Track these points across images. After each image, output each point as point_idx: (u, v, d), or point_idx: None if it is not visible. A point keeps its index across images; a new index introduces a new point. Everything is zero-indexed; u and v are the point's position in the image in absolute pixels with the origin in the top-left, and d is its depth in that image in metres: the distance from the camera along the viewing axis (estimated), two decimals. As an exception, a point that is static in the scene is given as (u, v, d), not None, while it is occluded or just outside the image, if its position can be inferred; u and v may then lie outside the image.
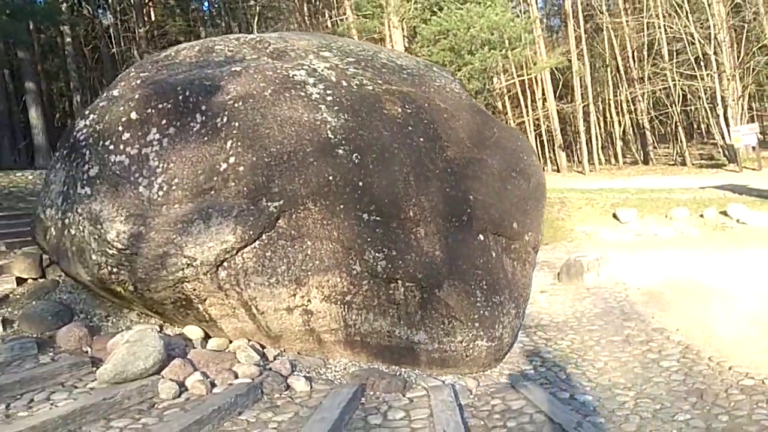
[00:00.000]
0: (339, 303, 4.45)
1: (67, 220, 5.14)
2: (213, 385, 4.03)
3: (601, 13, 28.38)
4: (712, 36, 23.86)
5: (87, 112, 5.50)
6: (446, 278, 4.61)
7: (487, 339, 4.80)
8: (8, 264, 6.20)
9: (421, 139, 5.03)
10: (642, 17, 26.85)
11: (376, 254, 4.43)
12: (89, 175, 5.06)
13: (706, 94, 26.42)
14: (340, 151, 4.55)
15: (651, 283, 8.09)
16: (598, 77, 33.54)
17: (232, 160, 4.56)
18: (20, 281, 6.07)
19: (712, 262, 9.02)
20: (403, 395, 4.17)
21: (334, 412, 3.60)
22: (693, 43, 24.65)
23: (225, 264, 4.35)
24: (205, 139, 4.81)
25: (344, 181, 4.47)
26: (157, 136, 4.96)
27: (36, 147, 20.75)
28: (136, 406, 3.78)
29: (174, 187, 4.68)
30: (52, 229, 5.32)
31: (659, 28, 26.70)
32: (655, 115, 32.18)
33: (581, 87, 29.25)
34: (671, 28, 24.54)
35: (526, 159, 5.78)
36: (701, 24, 24.38)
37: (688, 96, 29.32)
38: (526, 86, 25.65)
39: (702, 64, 25.15)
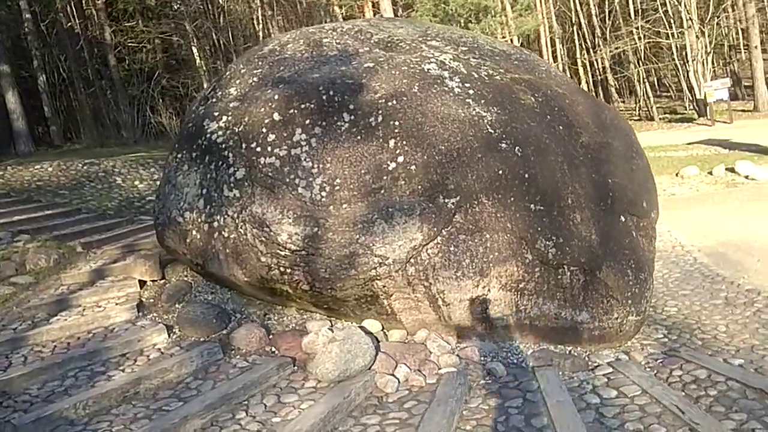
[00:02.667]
0: (513, 290, 4.71)
1: (215, 223, 5.20)
2: (423, 376, 4.26)
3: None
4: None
5: (216, 114, 5.52)
6: (604, 260, 4.92)
7: (635, 313, 5.16)
8: (127, 266, 6.19)
9: (561, 128, 5.26)
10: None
11: (547, 242, 4.69)
12: (236, 178, 5.12)
13: (675, 50, 27.27)
14: (503, 145, 4.75)
15: (705, 243, 8.63)
16: (565, 37, 34.22)
17: (400, 159, 4.70)
18: (141, 284, 6.09)
19: (746, 218, 9.67)
20: (593, 372, 4.49)
21: (560, 394, 3.90)
22: (664, 3, 25.37)
23: (413, 260, 4.54)
24: (358, 138, 4.92)
25: (512, 174, 4.68)
26: (304, 136, 5.04)
27: (15, 133, 19.93)
28: (366, 402, 3.99)
29: (338, 188, 4.80)
30: (194, 232, 5.37)
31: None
32: (620, 71, 33.15)
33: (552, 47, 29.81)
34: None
35: (634, 138, 6.09)
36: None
37: (650, 54, 30.27)
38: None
39: (672, 21, 25.88)
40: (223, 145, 5.32)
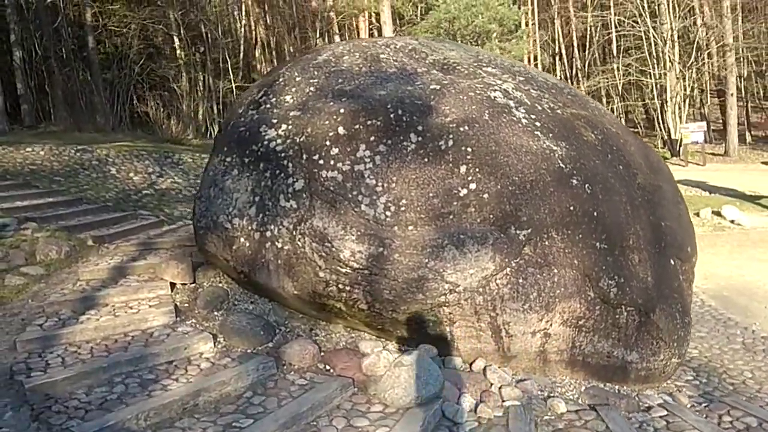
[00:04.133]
0: (573, 326, 4.73)
1: (268, 233, 5.09)
2: (490, 408, 4.22)
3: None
4: (667, 38, 25.39)
5: (275, 121, 5.41)
6: (657, 303, 5.00)
7: (678, 356, 5.26)
8: (152, 266, 5.99)
9: (620, 167, 5.34)
10: (605, 15, 28.11)
11: (609, 281, 4.74)
12: (294, 189, 5.03)
13: (654, 90, 28.15)
14: (575, 181, 4.78)
15: (708, 285, 8.88)
16: (546, 68, 34.95)
17: (473, 186, 4.68)
18: (171, 286, 5.89)
19: (741, 264, 10.01)
20: (648, 414, 4.53)
21: (626, 430, 3.92)
22: (649, 43, 26.18)
23: (481, 290, 4.51)
24: (425, 160, 4.88)
25: (582, 211, 4.72)
26: (368, 153, 4.98)
27: (-9, 110, 19.17)
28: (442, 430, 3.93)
29: (403, 208, 4.75)
30: (242, 239, 5.24)
31: (617, 26, 28.15)
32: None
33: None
34: (634, 26, 25.84)
35: (675, 182, 6.23)
36: (656, 27, 25.85)
37: (623, 91, 31.19)
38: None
39: (654, 62, 26.71)
40: (282, 154, 5.20)
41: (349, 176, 4.94)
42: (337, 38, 24.25)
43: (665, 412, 4.56)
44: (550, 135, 5.06)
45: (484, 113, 5.06)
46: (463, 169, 4.75)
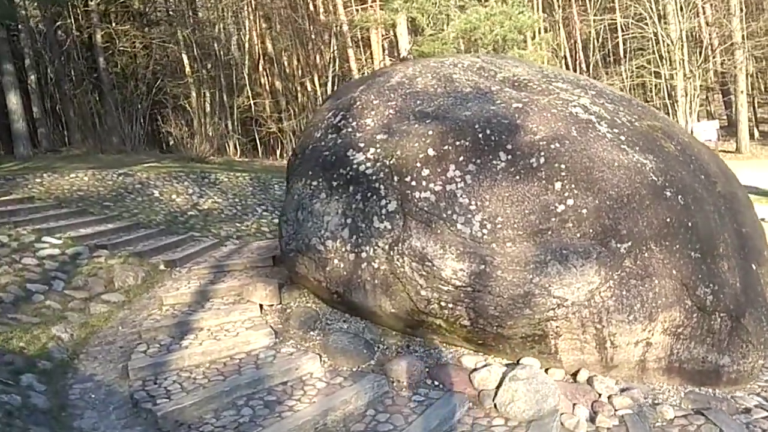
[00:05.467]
0: (672, 334, 4.87)
1: (363, 254, 5.23)
2: (606, 417, 4.36)
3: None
4: (676, 38, 25.60)
5: (362, 145, 5.57)
6: (746, 307, 5.14)
7: (763, 358, 5.40)
8: (247, 291, 6.13)
9: (702, 177, 5.49)
10: (613, 19, 28.38)
11: (705, 289, 4.88)
12: (388, 210, 5.18)
13: (664, 90, 28.35)
14: (668, 193, 4.93)
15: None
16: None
17: (570, 202, 4.83)
18: (260, 308, 6.03)
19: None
20: (750, 415, 4.67)
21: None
22: (658, 45, 26.41)
23: (587, 303, 4.65)
24: (517, 178, 5.03)
25: (678, 222, 4.87)
26: (458, 173, 5.14)
27: (15, 134, 19.31)
28: (566, 443, 4.07)
29: (500, 226, 4.89)
30: (336, 260, 5.39)
31: (623, 29, 28.42)
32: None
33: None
34: (642, 29, 26.08)
35: (743, 187, 6.38)
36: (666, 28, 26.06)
37: (634, 95, 31.38)
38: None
39: (664, 63, 26.90)
40: (373, 177, 5.35)
41: (442, 196, 5.09)
42: (350, 51, 24.46)
43: (766, 413, 4.68)
44: (636, 148, 5.21)
45: (571, 129, 5.21)
46: (558, 185, 4.90)
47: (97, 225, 8.85)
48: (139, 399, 4.56)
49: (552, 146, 5.07)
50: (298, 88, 28.31)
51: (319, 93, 24.57)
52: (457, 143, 5.26)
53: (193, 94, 25.65)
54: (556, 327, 4.70)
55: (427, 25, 18.90)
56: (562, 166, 4.96)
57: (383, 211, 5.23)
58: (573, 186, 4.88)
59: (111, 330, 6.07)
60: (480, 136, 5.25)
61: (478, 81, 6.20)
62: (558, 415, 4.29)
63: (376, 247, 5.21)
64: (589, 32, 32.37)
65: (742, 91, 26.12)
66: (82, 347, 5.66)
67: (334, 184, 5.59)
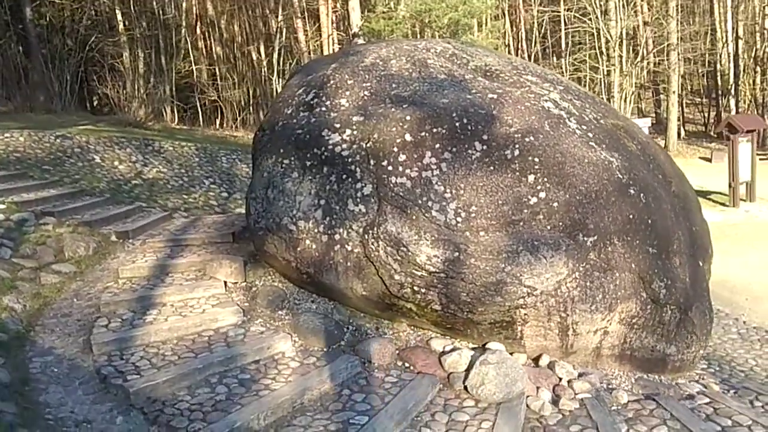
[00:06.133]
0: (627, 324, 5.18)
1: (336, 236, 5.28)
2: (568, 400, 4.61)
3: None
4: (615, 35, 26.55)
5: (338, 126, 5.57)
6: (693, 301, 5.53)
7: (703, 348, 5.85)
8: (211, 267, 6.04)
9: (660, 176, 5.82)
10: (557, 11, 29.05)
11: (660, 283, 5.21)
12: (363, 193, 5.23)
13: (602, 85, 29.38)
14: (632, 191, 5.20)
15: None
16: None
17: (542, 195, 5.02)
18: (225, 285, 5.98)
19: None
20: (694, 401, 5.04)
21: (698, 422, 4.41)
22: (599, 40, 27.30)
23: (554, 292, 4.88)
24: (491, 168, 5.18)
25: (639, 219, 5.15)
26: (434, 160, 5.25)
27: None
28: (531, 424, 4.29)
29: (473, 215, 5.04)
30: (308, 241, 5.41)
31: (566, 23, 29.21)
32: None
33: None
34: (586, 23, 26.85)
35: (692, 188, 6.79)
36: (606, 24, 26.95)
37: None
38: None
39: (604, 58, 27.83)
40: (349, 159, 5.37)
41: (418, 182, 5.18)
42: (299, 22, 23.99)
43: (708, 399, 5.07)
44: (603, 146, 5.45)
45: (544, 124, 5.39)
46: (531, 178, 5.07)
47: (39, 190, 8.44)
48: (107, 374, 4.45)
49: (527, 139, 5.23)
50: (240, 56, 27.52)
51: (264, 63, 23.99)
52: (434, 130, 5.33)
53: (128, 54, 24.38)
54: (524, 314, 4.90)
55: (380, 3, 18.78)
56: (536, 160, 5.13)
57: (358, 194, 5.26)
58: (546, 180, 5.06)
59: (65, 302, 5.85)
60: (457, 124, 5.34)
61: (451, 68, 6.28)
62: (524, 398, 4.50)
63: (350, 230, 5.25)
64: (533, 23, 33.08)
65: (674, 91, 27.45)
66: (37, 319, 5.44)
67: (308, 164, 5.57)
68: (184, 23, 26.68)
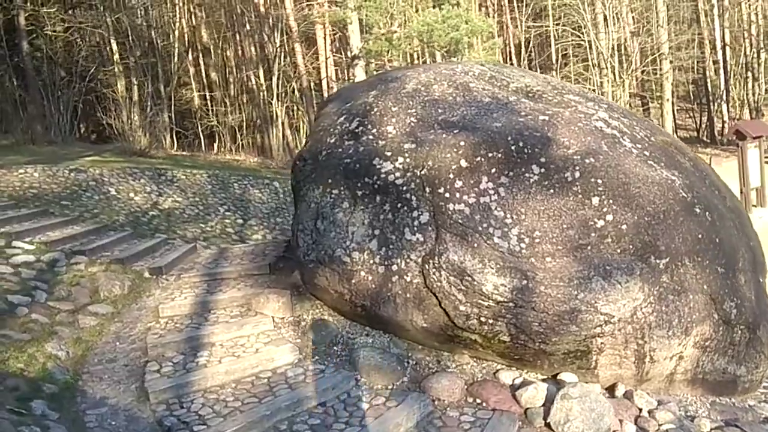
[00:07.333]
0: (700, 348, 5.01)
1: (394, 267, 5.11)
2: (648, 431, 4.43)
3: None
4: (607, 47, 26.69)
5: (389, 154, 5.41)
6: (761, 319, 5.37)
7: (769, 366, 5.67)
8: (258, 302, 5.83)
9: (716, 192, 5.68)
10: (546, 26, 29.23)
11: (730, 303, 5.05)
12: (420, 222, 5.06)
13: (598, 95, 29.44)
14: (698, 210, 5.06)
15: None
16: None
17: (609, 217, 4.86)
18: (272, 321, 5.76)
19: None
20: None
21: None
22: (591, 52, 27.44)
23: (630, 319, 4.70)
24: (551, 192, 5.03)
25: (708, 238, 5.01)
26: (491, 185, 5.10)
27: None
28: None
29: (538, 240, 4.88)
30: (363, 273, 5.23)
31: (557, 37, 29.41)
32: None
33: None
34: (579, 37, 27.01)
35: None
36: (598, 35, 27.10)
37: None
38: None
39: (596, 70, 27.96)
40: (404, 188, 5.21)
41: (477, 209, 5.02)
42: (297, 46, 23.94)
43: (789, 423, 4.90)
44: (661, 164, 5.32)
45: (602, 144, 5.26)
46: (595, 200, 4.92)
47: (63, 227, 8.20)
48: (171, 426, 4.22)
49: (587, 161, 5.08)
50: (236, 81, 27.44)
51: (264, 87, 23.88)
52: (490, 155, 5.19)
53: (123, 82, 24.16)
54: (601, 343, 4.72)
55: (378, 24, 18.78)
56: (599, 181, 4.98)
57: (415, 223, 5.09)
58: (611, 201, 4.91)
59: (108, 346, 5.61)
60: (513, 148, 5.20)
61: (493, 91, 6.16)
62: (610, 433, 4.31)
63: (408, 260, 5.07)
64: (522, 39, 33.23)
65: (667, 99, 27.57)
66: (82, 366, 5.20)
67: (359, 194, 5.40)
68: (177, 51, 26.58)
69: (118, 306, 6.41)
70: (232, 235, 11.41)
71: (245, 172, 16.63)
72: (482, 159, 5.18)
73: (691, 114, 35.59)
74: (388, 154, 5.41)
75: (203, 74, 28.65)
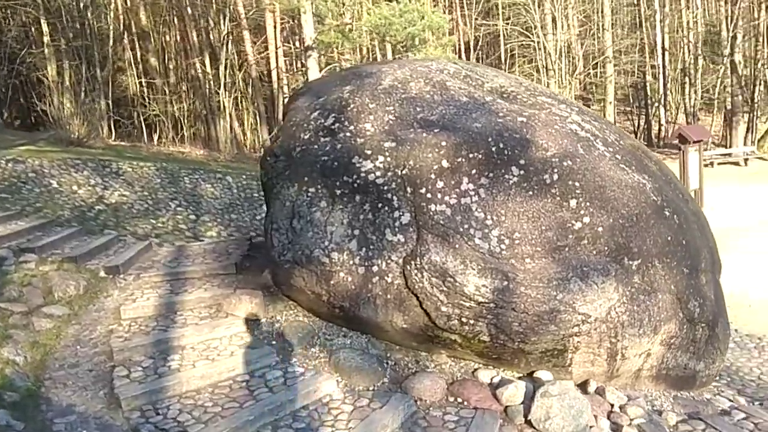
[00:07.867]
0: (666, 345, 5.22)
1: (374, 267, 5.09)
2: (626, 427, 4.58)
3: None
4: (555, 48, 27.43)
5: (369, 152, 5.37)
6: (719, 317, 5.65)
7: (723, 361, 5.98)
8: (229, 303, 5.67)
9: (680, 195, 5.92)
10: (496, 24, 29.73)
11: (695, 302, 5.28)
12: (402, 223, 5.06)
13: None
14: (667, 213, 5.26)
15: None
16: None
17: (586, 219, 4.99)
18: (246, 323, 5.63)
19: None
20: (731, 417, 5.13)
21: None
22: (539, 53, 28.12)
23: (605, 318, 4.84)
24: (531, 194, 5.12)
25: (676, 240, 5.21)
26: (471, 186, 5.15)
27: None
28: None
29: (517, 242, 4.96)
30: (342, 273, 5.18)
31: (506, 36, 29.97)
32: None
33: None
34: (528, 37, 27.60)
35: (692, 204, 6.97)
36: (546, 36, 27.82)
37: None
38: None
39: (543, 71, 28.67)
40: (385, 187, 5.18)
41: (458, 209, 5.04)
42: (246, 34, 23.41)
43: (744, 414, 5.18)
44: (632, 167, 5.49)
45: (578, 147, 5.38)
46: (573, 203, 5.03)
47: (6, 223, 7.74)
48: (150, 434, 4.05)
49: (564, 163, 5.18)
50: (179, 69, 26.56)
51: (210, 76, 23.24)
52: (470, 156, 5.22)
53: (54, 66, 22.86)
54: (577, 342, 4.84)
55: (331, 15, 18.59)
56: (576, 184, 5.09)
57: (396, 223, 5.07)
58: (588, 204, 5.03)
59: (68, 350, 5.33)
60: (493, 149, 5.25)
61: (470, 90, 6.20)
62: (589, 429, 4.42)
63: (389, 261, 5.04)
64: (471, 37, 33.67)
65: (610, 102, 28.58)
66: (43, 372, 4.92)
67: (338, 193, 5.33)
68: (112, 32, 25.38)
69: (74, 307, 6.09)
70: (185, 231, 11.06)
71: (194, 165, 16.15)
72: (463, 160, 5.20)
73: (630, 117, 37.02)
74: (368, 152, 5.35)
75: (143, 60, 27.56)
